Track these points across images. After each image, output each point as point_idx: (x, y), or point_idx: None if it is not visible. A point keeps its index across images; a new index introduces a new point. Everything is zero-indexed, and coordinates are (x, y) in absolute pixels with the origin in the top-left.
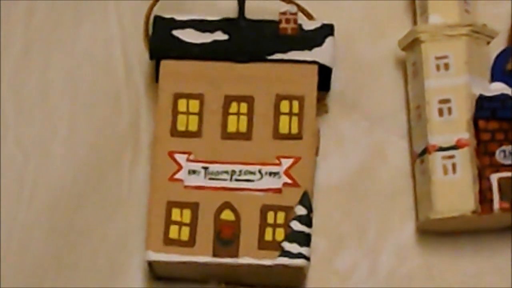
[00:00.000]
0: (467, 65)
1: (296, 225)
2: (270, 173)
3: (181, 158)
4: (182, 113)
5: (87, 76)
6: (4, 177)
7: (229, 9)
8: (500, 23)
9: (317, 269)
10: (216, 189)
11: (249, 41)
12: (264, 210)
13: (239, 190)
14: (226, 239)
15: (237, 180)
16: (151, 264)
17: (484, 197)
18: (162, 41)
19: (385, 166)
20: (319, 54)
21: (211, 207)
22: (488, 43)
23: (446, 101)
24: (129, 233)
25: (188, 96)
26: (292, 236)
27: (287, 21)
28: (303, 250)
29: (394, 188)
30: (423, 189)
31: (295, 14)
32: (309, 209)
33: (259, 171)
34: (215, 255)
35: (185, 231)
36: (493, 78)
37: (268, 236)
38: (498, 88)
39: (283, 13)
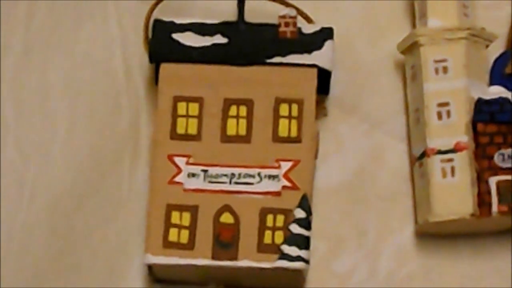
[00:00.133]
0: (466, 68)
1: (295, 228)
2: (270, 176)
3: (180, 161)
4: (182, 116)
5: (87, 78)
6: (4, 178)
7: (229, 13)
8: (498, 26)
9: (316, 271)
10: (215, 192)
11: (248, 44)
12: (263, 213)
13: (239, 193)
14: (225, 242)
15: (236, 183)
16: (150, 267)
17: (482, 200)
18: (162, 45)
19: (384, 169)
20: (319, 57)
21: (210, 210)
22: (487, 46)
23: (445, 104)
24: (129, 236)
25: (188, 99)
26: (291, 239)
27: (287, 24)
28: (302, 253)
29: (393, 191)
30: (422, 192)
31: (295, 17)
32: (308, 212)
33: (259, 174)
34: (214, 258)
35: (185, 234)
36: (492, 82)
37: (268, 239)
38: (497, 91)
39: (283, 17)
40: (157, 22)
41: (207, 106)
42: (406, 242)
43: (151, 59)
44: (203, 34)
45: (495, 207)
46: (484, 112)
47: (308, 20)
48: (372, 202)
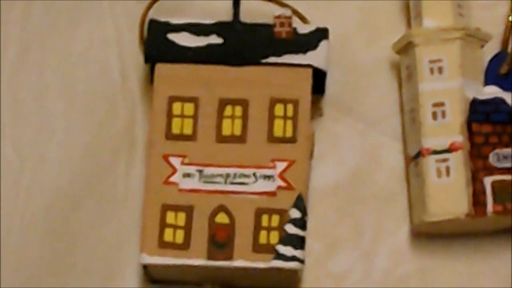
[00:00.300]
0: (461, 68)
1: (291, 228)
2: (265, 176)
3: (175, 161)
4: (177, 116)
5: (83, 79)
6: (0, 178)
7: (224, 13)
8: (494, 26)
9: (311, 271)
10: (210, 192)
11: (243, 44)
12: (259, 213)
13: (234, 193)
14: (220, 242)
15: (231, 183)
16: (146, 267)
17: (477, 200)
18: (157, 45)
19: (379, 169)
20: (314, 57)
21: (205, 210)
22: (482, 46)
23: (440, 104)
24: (124, 236)
25: (183, 99)
26: (287, 239)
27: (282, 24)
28: (298, 253)
29: (388, 191)
30: (417, 192)
31: (290, 17)
32: (304, 212)
33: (254, 174)
34: (209, 258)
35: (180, 234)
36: (487, 82)
37: (263, 239)
38: (492, 91)
39: (278, 17)
40: (153, 22)
41: (202, 106)
42: (402, 242)
43: (147, 59)
44: (198, 34)
45: (490, 207)
46: (479, 112)
47: (304, 20)
48: (368, 202)
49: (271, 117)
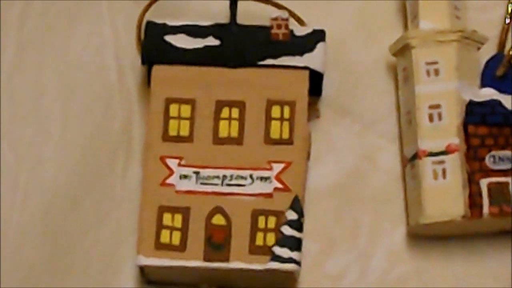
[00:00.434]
0: (457, 70)
1: (287, 230)
2: (261, 178)
3: (172, 163)
4: (174, 118)
5: (80, 80)
6: None
7: (221, 15)
8: (490, 29)
9: (308, 273)
10: (207, 193)
11: (240, 46)
12: (255, 214)
13: (230, 194)
14: (217, 243)
15: (228, 184)
16: (142, 269)
17: (474, 202)
18: (154, 46)
19: (376, 171)
20: (310, 59)
21: (202, 211)
22: (479, 49)
23: (436, 106)
24: (121, 237)
25: (180, 101)
26: (283, 241)
27: (279, 26)
28: (294, 254)
29: (385, 192)
30: (413, 194)
31: (287, 19)
32: (300, 213)
33: (250, 176)
34: (206, 259)
35: (177, 235)
36: (483, 84)
37: (259, 241)
38: (488, 93)
39: (275, 19)
40: (150, 24)
41: (199, 108)
42: (398, 244)
43: (144, 61)
44: (196, 36)
45: (486, 209)
46: (475, 114)
47: (300, 22)
48: (364, 204)
49: (268, 119)
